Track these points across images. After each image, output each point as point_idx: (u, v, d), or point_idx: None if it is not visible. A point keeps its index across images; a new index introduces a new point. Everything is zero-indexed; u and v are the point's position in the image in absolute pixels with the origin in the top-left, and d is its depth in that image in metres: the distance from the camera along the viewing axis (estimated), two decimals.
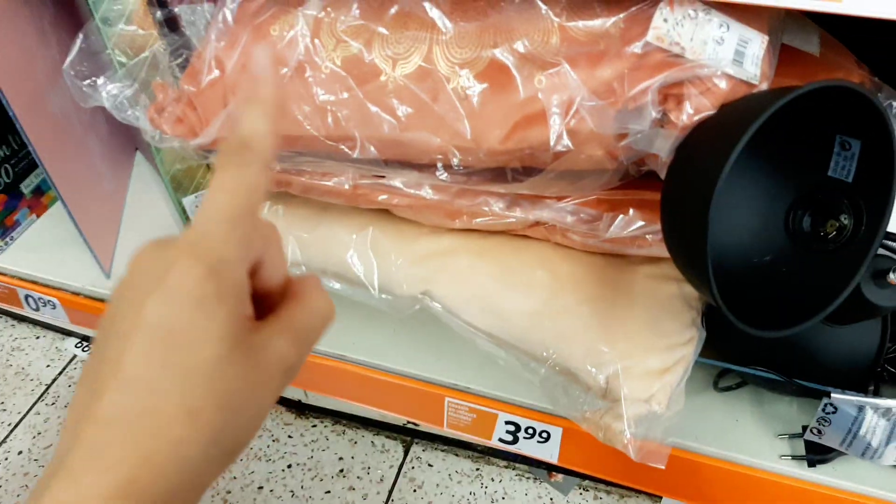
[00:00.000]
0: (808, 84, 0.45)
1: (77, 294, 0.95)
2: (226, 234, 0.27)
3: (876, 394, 0.68)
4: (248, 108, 0.30)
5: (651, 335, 0.61)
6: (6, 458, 1.00)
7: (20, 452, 1.01)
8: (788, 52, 0.67)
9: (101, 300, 0.93)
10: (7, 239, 1.02)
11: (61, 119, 0.88)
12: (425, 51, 0.56)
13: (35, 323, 1.22)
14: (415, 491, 0.93)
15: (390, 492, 0.93)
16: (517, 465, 0.96)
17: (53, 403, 1.08)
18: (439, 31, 0.56)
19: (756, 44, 0.53)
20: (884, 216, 0.52)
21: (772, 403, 0.72)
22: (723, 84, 0.51)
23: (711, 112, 0.52)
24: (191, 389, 0.24)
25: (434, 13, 0.56)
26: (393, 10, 0.58)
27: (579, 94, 0.52)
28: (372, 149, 0.60)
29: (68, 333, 1.20)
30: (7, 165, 1.01)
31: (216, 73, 0.63)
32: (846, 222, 0.55)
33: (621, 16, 0.53)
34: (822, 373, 0.65)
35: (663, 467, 0.59)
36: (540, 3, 0.54)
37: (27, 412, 1.07)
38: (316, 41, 0.59)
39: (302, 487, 0.94)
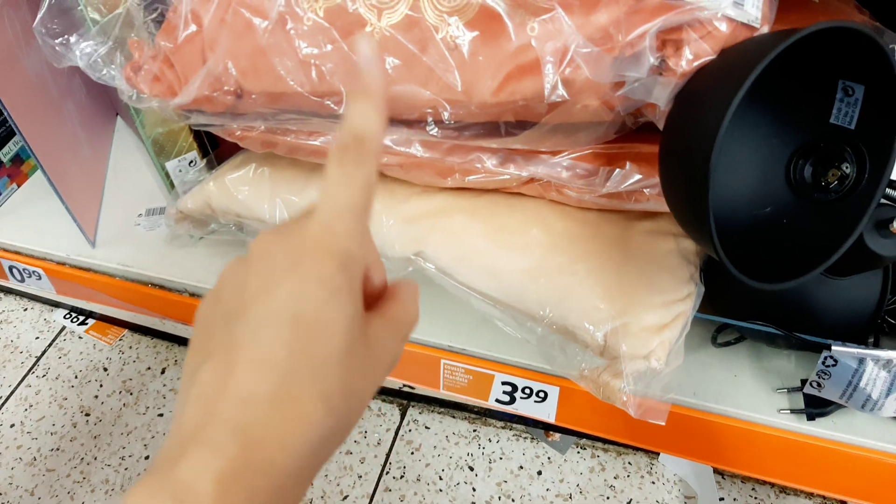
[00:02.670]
0: (810, 26, 0.44)
1: (62, 264, 0.93)
2: (351, 229, 0.28)
3: (876, 346, 0.67)
4: (357, 102, 0.29)
5: (649, 291, 0.59)
6: None
7: (12, 425, 1.00)
8: None
9: (87, 269, 0.91)
10: None
11: (37, 83, 0.85)
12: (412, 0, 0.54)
13: (22, 295, 1.20)
14: (412, 453, 0.93)
15: (388, 455, 0.93)
16: (514, 425, 0.95)
17: (44, 375, 1.07)
18: None
19: None
20: (887, 164, 0.51)
21: (770, 358, 0.72)
22: (723, 27, 0.49)
23: (711, 57, 0.50)
24: (324, 376, 0.26)
25: None
26: None
27: (574, 40, 0.49)
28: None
29: (56, 305, 1.18)
30: None
31: (193, 28, 0.60)
32: (848, 171, 0.53)
33: None
34: (821, 326, 0.64)
35: (664, 423, 0.59)
36: None
37: (18, 385, 1.06)
38: None
39: None
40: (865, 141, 0.51)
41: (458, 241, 0.64)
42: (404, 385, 0.95)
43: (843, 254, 0.51)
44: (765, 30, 0.51)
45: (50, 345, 1.12)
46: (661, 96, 0.51)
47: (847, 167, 0.53)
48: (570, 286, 0.60)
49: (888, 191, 0.59)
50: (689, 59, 0.49)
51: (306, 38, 0.56)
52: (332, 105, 0.58)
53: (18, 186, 1.04)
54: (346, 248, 0.27)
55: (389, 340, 0.30)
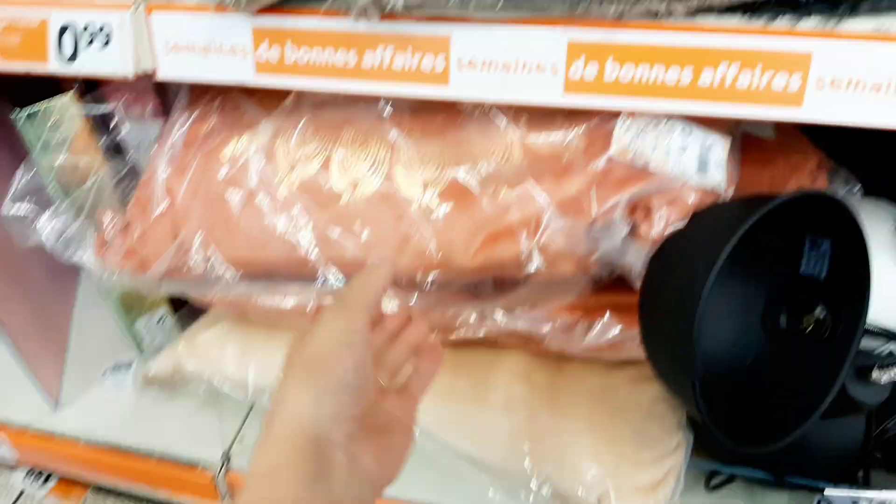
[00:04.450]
0: (785, 195, 0.45)
1: (24, 429, 0.89)
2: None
3: (866, 480, 0.67)
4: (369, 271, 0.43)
5: (638, 446, 0.58)
6: None
7: None
8: (745, 139, 0.68)
9: (50, 435, 0.87)
10: None
11: None
12: (386, 171, 0.55)
13: None
14: None
15: None
16: None
17: None
18: (399, 150, 0.55)
19: (719, 147, 0.52)
20: (861, 312, 0.51)
21: (764, 496, 0.70)
22: (690, 196, 0.50)
23: (681, 223, 0.51)
24: None
25: (393, 133, 0.55)
26: (350, 132, 0.56)
27: (547, 211, 0.50)
28: (335, 271, 0.57)
29: (14, 467, 1.11)
30: None
31: (166, 201, 0.60)
32: (822, 316, 0.54)
33: (582, 129, 0.52)
34: (810, 463, 0.63)
35: None
36: (498, 120, 0.53)
37: None
38: (271, 165, 0.57)
39: None
40: (837, 290, 0.52)
41: (441, 403, 0.62)
42: None
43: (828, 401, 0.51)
44: (730, 192, 0.53)
45: None
46: (635, 260, 0.52)
47: (820, 312, 0.54)
48: (559, 449, 0.58)
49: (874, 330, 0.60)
50: (660, 225, 0.50)
51: (282, 210, 0.56)
52: (309, 273, 0.57)
53: None
54: None
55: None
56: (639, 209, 0.51)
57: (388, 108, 0.58)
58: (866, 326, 0.58)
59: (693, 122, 0.52)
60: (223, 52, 0.53)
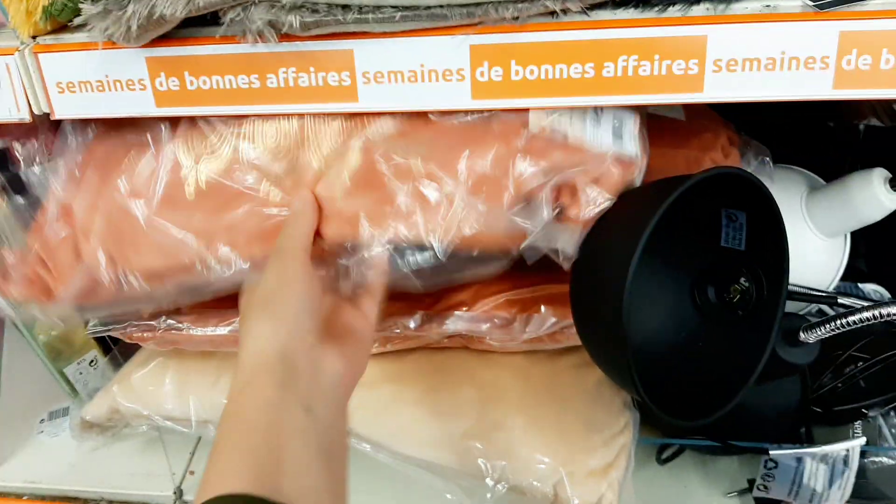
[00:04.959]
0: (698, 174, 0.46)
1: None
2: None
3: (808, 435, 0.69)
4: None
5: (587, 432, 0.59)
6: None
7: None
8: (656, 121, 0.69)
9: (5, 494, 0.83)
10: None
11: None
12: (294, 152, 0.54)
13: None
14: None
15: None
16: None
17: None
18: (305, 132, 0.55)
19: (630, 121, 0.52)
20: (782, 277, 0.53)
21: (715, 462, 0.72)
22: (613, 170, 0.50)
23: (608, 201, 0.51)
24: None
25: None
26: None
27: (458, 189, 0.50)
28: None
29: None
30: None
31: (64, 223, 0.58)
32: (747, 285, 0.56)
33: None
34: (755, 427, 0.65)
35: None
36: None
37: None
38: (173, 167, 0.56)
39: None
40: (757, 259, 0.54)
41: (390, 413, 0.62)
42: None
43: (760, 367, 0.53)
44: (643, 162, 0.53)
45: None
46: (567, 245, 0.52)
47: (745, 282, 0.56)
48: (510, 444, 0.59)
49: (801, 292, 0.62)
50: (588, 206, 0.50)
51: (189, 210, 0.55)
52: (218, 269, 0.56)
53: None
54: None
55: None
56: (564, 191, 0.51)
57: None
58: (793, 289, 0.60)
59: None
60: (120, 86, 0.51)
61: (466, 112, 0.51)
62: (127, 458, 0.81)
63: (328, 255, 0.55)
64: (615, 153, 0.51)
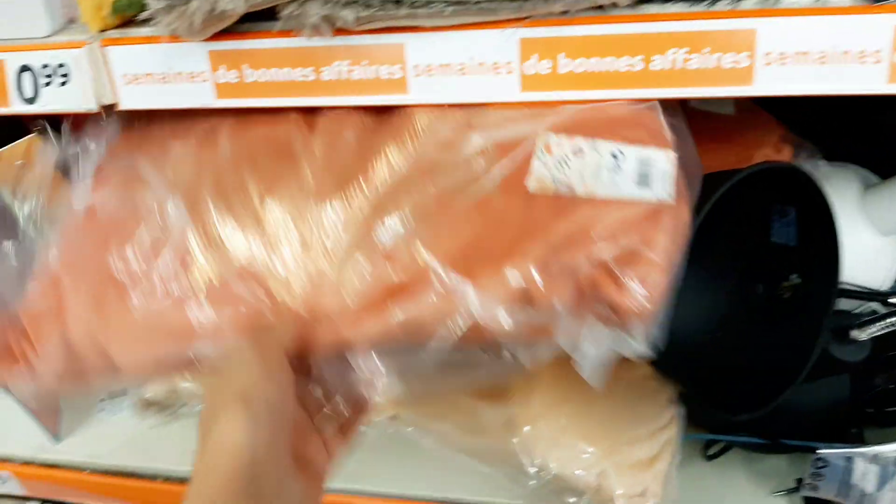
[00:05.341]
0: (748, 167, 0.46)
1: (29, 463, 0.89)
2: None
3: (860, 436, 0.68)
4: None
5: (632, 424, 0.59)
6: None
7: None
8: (705, 117, 0.69)
9: (55, 466, 0.88)
10: None
11: None
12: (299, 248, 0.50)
13: None
14: None
15: None
16: None
17: None
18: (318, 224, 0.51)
19: (661, 160, 0.45)
20: (834, 274, 0.53)
21: (762, 460, 0.71)
22: (652, 230, 0.41)
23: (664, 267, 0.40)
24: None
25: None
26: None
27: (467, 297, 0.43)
28: None
29: (25, 499, 1.12)
30: None
31: (49, 290, 0.55)
32: (798, 281, 0.55)
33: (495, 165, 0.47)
34: (804, 425, 0.65)
35: None
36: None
37: None
38: (181, 246, 0.53)
39: None
40: (809, 255, 0.53)
41: (434, 398, 0.63)
42: None
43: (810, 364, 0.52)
44: (683, 206, 0.44)
45: None
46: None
47: (795, 278, 0.55)
48: (555, 433, 0.59)
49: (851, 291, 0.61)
50: (638, 278, 0.40)
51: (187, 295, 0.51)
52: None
53: None
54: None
55: None
56: (596, 275, 0.41)
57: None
58: (844, 287, 0.59)
59: (626, 141, 0.45)
60: (182, 79, 0.53)
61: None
62: (184, 436, 0.84)
63: (304, 367, 0.47)
64: (641, 198, 0.43)
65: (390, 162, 0.51)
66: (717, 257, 0.56)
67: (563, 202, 0.44)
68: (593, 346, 0.42)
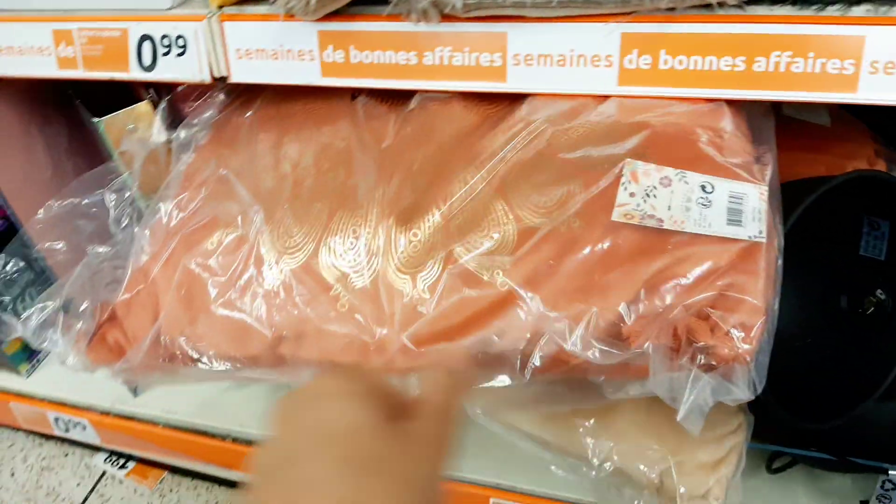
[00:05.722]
0: (840, 175, 0.46)
1: (106, 413, 0.95)
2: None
3: None
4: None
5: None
6: None
7: None
8: (800, 126, 0.68)
9: (131, 418, 0.92)
10: (33, 361, 1.02)
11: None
12: (379, 264, 0.52)
13: (62, 440, 1.21)
14: None
15: None
16: None
17: None
18: (390, 244, 0.52)
19: (754, 196, 0.44)
20: None
21: (827, 479, 0.70)
22: (742, 274, 0.41)
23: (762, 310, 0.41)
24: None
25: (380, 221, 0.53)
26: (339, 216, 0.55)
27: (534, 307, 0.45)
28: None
29: (97, 449, 1.18)
30: (31, 288, 1.02)
31: (142, 286, 0.59)
32: (883, 297, 0.54)
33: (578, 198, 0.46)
34: (874, 446, 0.63)
35: None
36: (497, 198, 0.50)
37: None
38: (260, 253, 0.55)
39: None
40: None
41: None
42: None
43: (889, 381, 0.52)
44: (775, 243, 0.45)
45: (91, 491, 1.12)
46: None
47: (881, 294, 0.54)
48: (621, 427, 0.60)
49: None
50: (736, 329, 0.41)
51: (270, 299, 0.54)
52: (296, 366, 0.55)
53: None
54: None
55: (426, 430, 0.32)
56: (692, 321, 0.42)
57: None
58: None
59: (718, 175, 0.45)
60: (291, 56, 0.56)
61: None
62: (255, 399, 0.87)
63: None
64: (731, 236, 0.42)
65: (467, 181, 0.52)
66: (804, 266, 0.56)
67: (651, 236, 0.43)
68: (691, 393, 0.41)
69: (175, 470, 1.12)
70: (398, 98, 0.62)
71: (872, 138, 0.65)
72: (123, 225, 0.63)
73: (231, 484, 1.06)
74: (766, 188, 0.43)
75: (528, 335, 0.45)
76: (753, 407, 0.64)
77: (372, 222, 0.53)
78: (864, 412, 0.61)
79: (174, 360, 0.57)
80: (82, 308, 0.60)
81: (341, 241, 0.53)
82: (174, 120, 0.72)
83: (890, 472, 0.59)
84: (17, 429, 1.20)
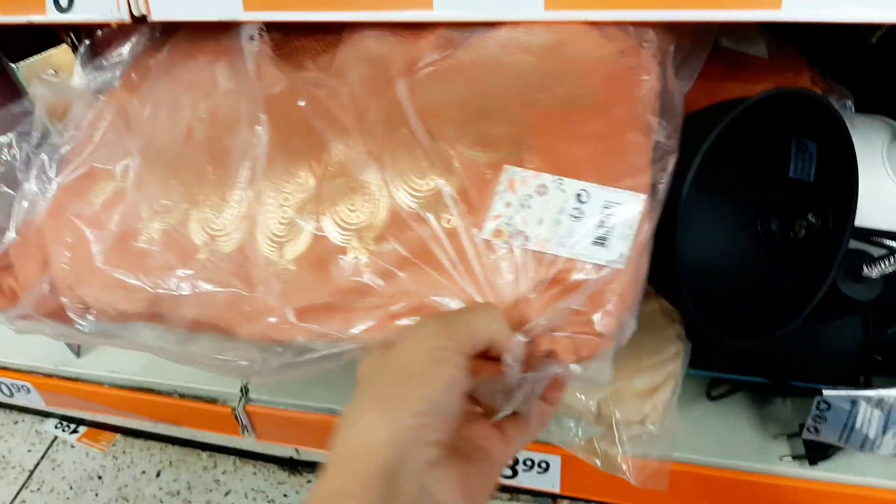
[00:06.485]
0: (761, 93, 0.46)
1: (50, 376, 0.93)
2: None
3: (867, 385, 0.68)
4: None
5: (637, 355, 0.60)
6: None
7: None
8: (736, 57, 0.68)
9: (75, 379, 0.91)
10: None
11: None
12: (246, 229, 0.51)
13: (12, 408, 1.18)
14: None
15: None
16: (521, 496, 0.94)
17: (38, 489, 1.04)
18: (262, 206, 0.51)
19: (631, 206, 0.42)
20: (849, 211, 0.52)
21: (766, 406, 0.72)
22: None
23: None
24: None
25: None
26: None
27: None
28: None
29: (47, 415, 1.16)
30: None
31: (30, 233, 0.58)
32: (814, 221, 0.55)
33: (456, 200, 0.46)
34: (812, 371, 0.65)
35: (664, 489, 0.58)
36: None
37: (12, 502, 1.03)
38: (137, 210, 0.54)
39: None
40: (826, 192, 0.53)
41: None
42: None
43: (820, 302, 0.53)
44: (637, 267, 0.44)
45: (42, 457, 1.10)
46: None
47: (812, 217, 0.55)
48: None
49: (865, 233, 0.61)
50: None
51: (143, 258, 0.53)
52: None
53: None
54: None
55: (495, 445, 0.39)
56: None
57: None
58: (865, 230, 0.59)
59: (600, 185, 0.43)
60: None
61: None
62: None
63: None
64: (588, 259, 0.42)
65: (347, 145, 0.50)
66: (735, 191, 0.56)
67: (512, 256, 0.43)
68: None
69: (127, 432, 1.11)
70: (312, 38, 0.60)
71: (809, 69, 0.65)
72: (30, 170, 0.61)
73: (183, 442, 1.05)
74: (645, 198, 0.42)
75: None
76: (690, 333, 0.65)
77: (243, 183, 0.52)
78: (795, 334, 0.63)
79: (63, 311, 0.57)
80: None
81: (212, 204, 0.52)
82: (96, 67, 0.69)
83: (825, 392, 0.61)
84: None
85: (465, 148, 0.46)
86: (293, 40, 0.60)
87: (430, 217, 0.46)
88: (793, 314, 0.52)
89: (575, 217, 0.42)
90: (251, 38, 0.58)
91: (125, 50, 0.65)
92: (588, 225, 0.42)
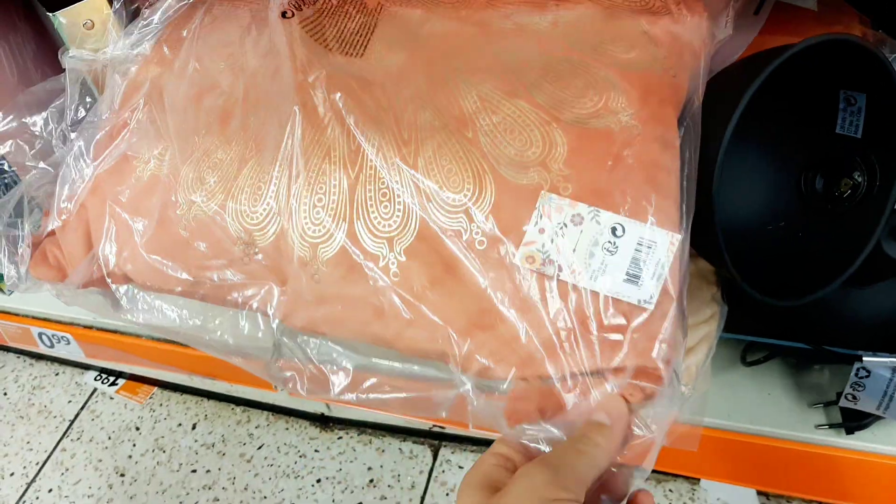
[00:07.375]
0: (801, 42, 0.44)
1: (89, 328, 0.95)
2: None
3: None
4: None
5: None
6: (37, 498, 1.00)
7: (50, 490, 1.01)
8: (785, 10, 0.65)
9: (114, 331, 0.93)
10: None
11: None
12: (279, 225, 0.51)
13: (53, 360, 1.22)
14: (447, 495, 0.92)
15: (423, 498, 0.92)
16: None
17: (78, 438, 1.08)
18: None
19: (662, 247, 0.41)
20: None
21: (803, 373, 0.70)
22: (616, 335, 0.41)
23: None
24: None
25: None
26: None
27: None
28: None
29: (87, 367, 1.19)
30: None
31: (75, 211, 0.60)
32: (860, 180, 0.53)
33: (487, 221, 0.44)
34: (851, 336, 0.63)
35: (695, 450, 0.57)
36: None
37: (53, 450, 1.07)
38: (175, 196, 0.55)
39: (333, 501, 0.93)
40: (874, 149, 0.51)
41: None
42: (434, 426, 0.95)
43: (863, 264, 0.51)
44: (667, 310, 0.42)
45: (82, 408, 1.13)
46: None
47: (858, 176, 0.53)
48: None
49: None
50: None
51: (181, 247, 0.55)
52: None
53: None
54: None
55: None
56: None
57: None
58: None
59: (633, 219, 0.42)
60: None
61: None
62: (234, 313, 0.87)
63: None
64: (620, 296, 0.41)
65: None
66: (776, 144, 0.54)
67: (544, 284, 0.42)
68: None
69: (165, 385, 1.14)
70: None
71: (861, 21, 0.63)
72: (66, 145, 0.63)
73: (218, 397, 1.07)
74: (679, 238, 0.41)
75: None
76: (727, 295, 0.63)
77: (279, 177, 0.51)
78: (836, 296, 0.61)
79: (106, 283, 0.60)
80: (24, 230, 0.62)
81: (248, 195, 0.52)
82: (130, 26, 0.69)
83: (864, 358, 0.59)
84: (6, 349, 1.21)
85: (501, 165, 0.45)
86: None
87: (462, 233, 0.44)
88: (834, 275, 0.50)
89: (609, 251, 0.41)
90: (283, 16, 0.57)
91: (158, 12, 0.65)
92: (622, 258, 0.41)
